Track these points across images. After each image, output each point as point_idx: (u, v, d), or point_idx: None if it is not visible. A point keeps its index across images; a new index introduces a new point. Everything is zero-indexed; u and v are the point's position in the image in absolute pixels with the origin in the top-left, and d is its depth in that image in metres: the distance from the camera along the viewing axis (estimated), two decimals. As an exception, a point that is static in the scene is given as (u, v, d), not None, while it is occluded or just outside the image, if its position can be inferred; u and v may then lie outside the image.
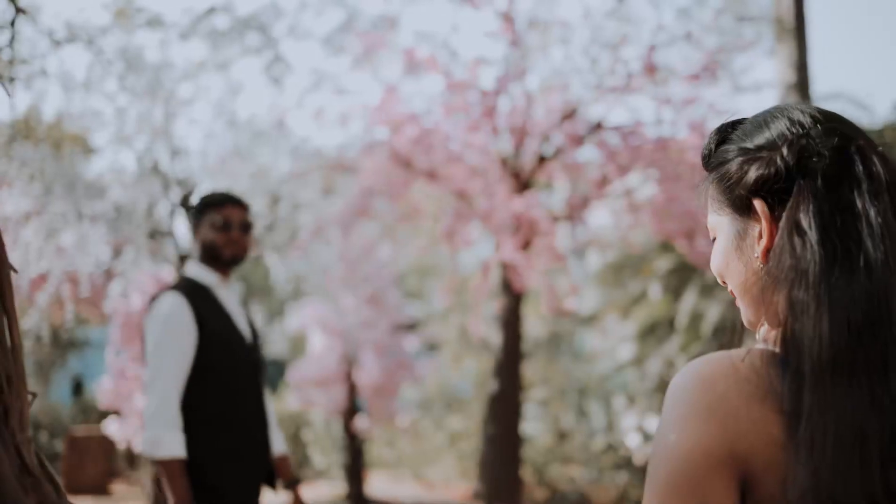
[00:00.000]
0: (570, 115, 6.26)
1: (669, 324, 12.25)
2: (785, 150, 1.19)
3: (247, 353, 3.54)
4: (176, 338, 3.38)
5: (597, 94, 6.42)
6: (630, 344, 13.59)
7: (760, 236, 1.21)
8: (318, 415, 13.31)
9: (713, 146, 1.29)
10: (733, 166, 1.24)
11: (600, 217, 7.09)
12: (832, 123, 1.20)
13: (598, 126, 6.24)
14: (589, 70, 6.18)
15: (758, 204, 1.21)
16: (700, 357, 1.17)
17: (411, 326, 16.00)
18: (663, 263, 12.32)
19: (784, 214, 1.17)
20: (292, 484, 3.69)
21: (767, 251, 1.20)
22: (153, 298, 3.56)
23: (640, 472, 9.78)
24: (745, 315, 1.29)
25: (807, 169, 1.17)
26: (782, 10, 14.03)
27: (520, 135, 6.40)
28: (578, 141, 6.29)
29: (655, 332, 12.45)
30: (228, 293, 3.59)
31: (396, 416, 10.79)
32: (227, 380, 3.45)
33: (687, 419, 1.12)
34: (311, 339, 11.04)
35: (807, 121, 1.21)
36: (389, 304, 10.69)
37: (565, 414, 16.19)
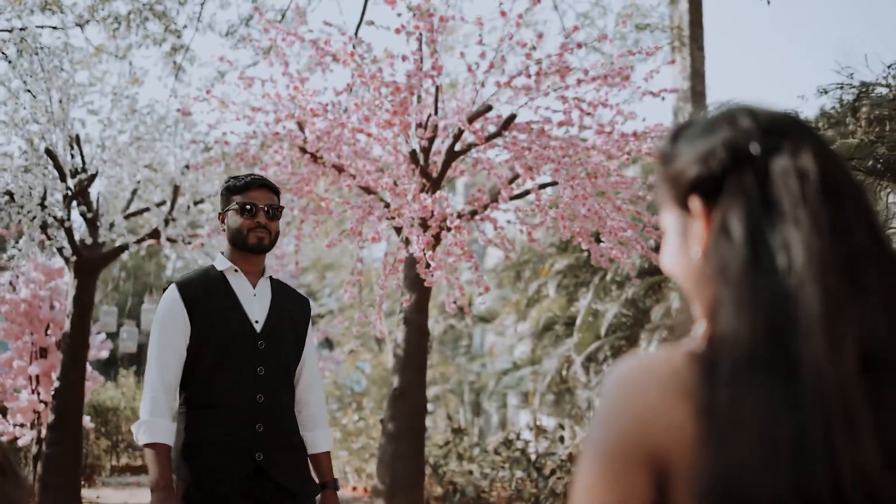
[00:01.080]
0: (480, 113, 6.30)
1: (566, 323, 12.45)
2: (721, 150, 1.21)
3: (252, 341, 3.44)
4: (165, 330, 3.40)
5: (507, 93, 6.47)
6: (526, 343, 13.76)
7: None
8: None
9: (667, 145, 1.30)
10: (678, 165, 1.26)
11: (505, 216, 7.13)
12: (773, 123, 1.22)
13: (507, 125, 6.29)
14: (500, 69, 6.22)
15: (694, 202, 1.23)
16: (628, 357, 1.20)
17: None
18: (560, 264, 12.51)
19: (715, 213, 1.19)
20: (324, 486, 3.55)
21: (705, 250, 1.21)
22: (165, 289, 3.59)
23: (535, 469, 9.90)
24: (695, 312, 1.31)
25: (739, 169, 1.19)
26: (679, 20, 14.43)
27: (430, 131, 6.40)
28: (488, 139, 6.33)
29: (552, 330, 12.64)
30: (242, 280, 3.51)
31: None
32: (221, 368, 3.41)
33: (608, 417, 1.16)
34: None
35: (747, 121, 1.23)
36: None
37: (461, 411, 16.30)
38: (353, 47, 6.08)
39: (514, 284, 14.14)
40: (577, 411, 12.85)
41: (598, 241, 7.04)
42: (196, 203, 8.52)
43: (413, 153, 6.44)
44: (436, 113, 6.47)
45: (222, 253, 3.57)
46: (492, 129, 6.45)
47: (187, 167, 8.32)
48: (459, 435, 11.26)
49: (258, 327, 3.46)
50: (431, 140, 6.62)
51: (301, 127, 6.77)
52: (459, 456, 11.05)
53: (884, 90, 9.64)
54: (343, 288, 7.06)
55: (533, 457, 10.29)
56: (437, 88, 6.50)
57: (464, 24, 6.13)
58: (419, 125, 6.35)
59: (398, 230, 6.49)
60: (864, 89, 9.64)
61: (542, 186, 6.49)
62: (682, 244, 1.27)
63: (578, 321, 11.08)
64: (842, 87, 9.97)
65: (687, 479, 1.10)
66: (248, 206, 3.44)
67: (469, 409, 16.77)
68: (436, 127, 6.47)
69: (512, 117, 6.33)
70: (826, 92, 10.00)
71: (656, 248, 7.23)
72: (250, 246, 3.46)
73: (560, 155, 6.13)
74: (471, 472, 10.80)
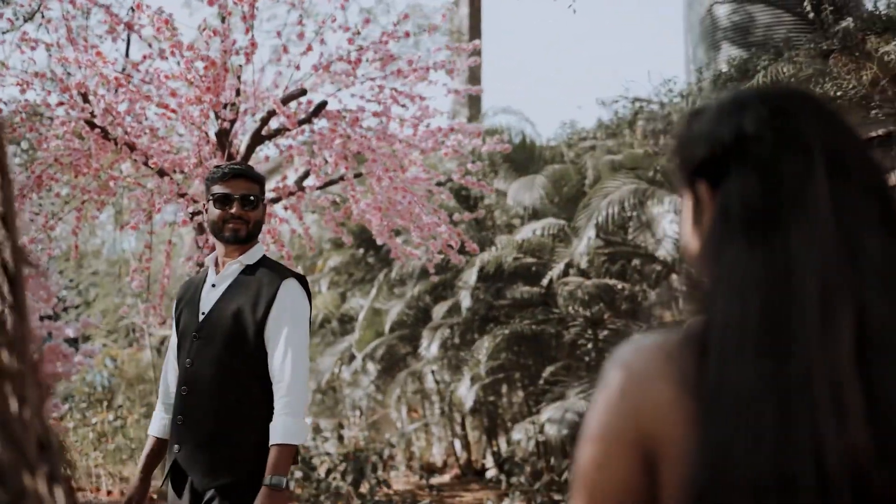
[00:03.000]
0: (294, 96, 6.03)
1: (339, 320, 12.29)
2: (726, 134, 1.20)
3: (191, 334, 3.37)
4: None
5: (313, 78, 6.25)
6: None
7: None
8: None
9: (681, 132, 1.31)
10: (688, 150, 1.26)
11: (303, 206, 6.87)
12: (782, 104, 1.21)
13: (319, 110, 6.06)
14: (315, 53, 6.01)
15: (701, 186, 1.23)
16: (626, 342, 1.20)
17: (63, 312, 14.81)
18: (333, 261, 12.37)
19: (718, 197, 1.19)
20: (266, 485, 3.10)
21: None
22: None
23: (311, 469, 9.67)
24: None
25: (743, 152, 1.18)
26: (459, 24, 14.72)
27: (233, 112, 6.04)
28: (300, 124, 6.06)
29: (326, 328, 12.45)
30: (211, 272, 3.47)
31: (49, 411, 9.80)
32: (178, 362, 3.44)
33: (603, 401, 1.18)
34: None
35: (755, 104, 1.22)
36: (46, 289, 9.74)
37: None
38: (168, 16, 5.62)
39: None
40: (344, 410, 12.75)
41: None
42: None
43: (219, 134, 6.06)
44: (237, 95, 6.13)
45: None
46: (302, 114, 6.19)
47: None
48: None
49: (201, 319, 3.39)
50: (233, 122, 6.26)
51: (86, 98, 6.18)
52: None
53: (655, 107, 10.25)
54: (129, 276, 6.59)
55: (307, 457, 10.06)
56: (240, 67, 6.18)
57: (288, 3, 5.86)
58: (225, 105, 5.98)
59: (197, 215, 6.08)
60: (638, 104, 10.23)
61: (356, 175, 6.30)
62: (694, 228, 1.26)
63: (360, 318, 10.98)
64: (618, 101, 10.53)
65: (676, 463, 1.10)
66: (223, 197, 3.38)
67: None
68: (237, 108, 6.13)
69: (324, 103, 6.11)
70: (605, 104, 10.55)
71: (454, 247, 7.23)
72: (226, 237, 3.41)
73: (375, 146, 5.99)
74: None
